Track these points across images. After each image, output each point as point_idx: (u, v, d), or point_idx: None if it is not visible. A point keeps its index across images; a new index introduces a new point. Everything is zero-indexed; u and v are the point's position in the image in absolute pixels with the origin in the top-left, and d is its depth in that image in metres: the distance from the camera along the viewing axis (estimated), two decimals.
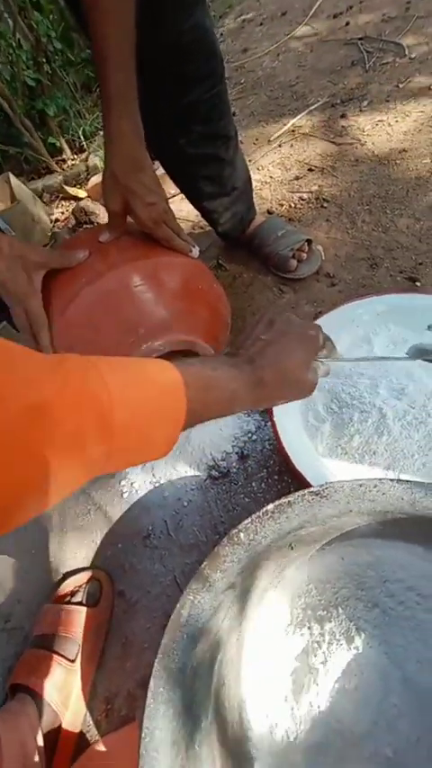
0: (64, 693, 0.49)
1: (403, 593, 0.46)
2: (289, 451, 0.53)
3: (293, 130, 1.11)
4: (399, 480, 0.32)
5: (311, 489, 0.35)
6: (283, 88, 1.27)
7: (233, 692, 0.42)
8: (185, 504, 0.64)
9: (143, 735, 0.30)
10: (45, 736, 0.46)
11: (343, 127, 1.04)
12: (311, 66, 1.27)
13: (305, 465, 0.53)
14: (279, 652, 0.47)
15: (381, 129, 0.99)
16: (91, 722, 0.51)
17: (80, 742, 0.50)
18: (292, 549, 0.41)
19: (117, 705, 0.52)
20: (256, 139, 1.16)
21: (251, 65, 1.44)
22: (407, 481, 0.32)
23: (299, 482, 0.53)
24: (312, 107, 1.14)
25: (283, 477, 0.62)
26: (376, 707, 0.41)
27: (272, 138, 1.12)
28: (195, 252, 0.58)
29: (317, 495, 0.35)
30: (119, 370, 0.28)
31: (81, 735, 0.50)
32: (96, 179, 1.27)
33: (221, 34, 1.68)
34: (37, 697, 0.48)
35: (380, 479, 0.33)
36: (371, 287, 0.75)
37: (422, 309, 0.60)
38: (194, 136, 0.65)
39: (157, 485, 0.67)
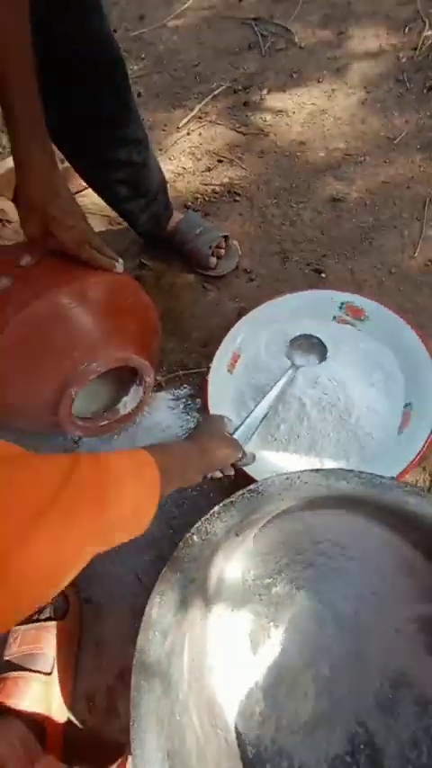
0: (45, 704, 0.52)
1: (331, 549, 0.56)
2: None
3: (200, 117, 1.11)
4: (317, 470, 0.40)
5: (250, 488, 0.41)
6: (186, 68, 1.23)
7: (201, 665, 0.49)
8: None
9: (132, 722, 0.35)
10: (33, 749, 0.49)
11: (247, 116, 1.06)
12: (211, 45, 1.25)
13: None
14: (237, 620, 0.55)
15: (281, 120, 1.04)
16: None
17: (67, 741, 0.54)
18: (237, 536, 0.48)
19: (98, 700, 0.56)
20: (165, 125, 1.13)
21: (150, 36, 1.36)
22: (323, 470, 0.39)
23: (236, 473, 0.59)
24: (216, 92, 1.14)
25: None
26: (315, 642, 0.51)
27: (180, 126, 1.11)
28: (119, 267, 0.59)
29: (254, 492, 0.41)
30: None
31: (66, 735, 0.54)
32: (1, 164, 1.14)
33: None
34: (21, 715, 0.50)
35: (302, 471, 0.40)
36: (284, 281, 0.82)
37: (328, 303, 0.68)
38: (104, 143, 0.63)
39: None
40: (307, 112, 1.03)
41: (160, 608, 0.39)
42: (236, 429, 0.58)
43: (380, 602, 0.53)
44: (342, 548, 0.56)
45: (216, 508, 0.41)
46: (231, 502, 0.41)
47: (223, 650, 0.53)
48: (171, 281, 0.88)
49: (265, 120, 1.04)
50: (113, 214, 0.95)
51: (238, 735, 0.49)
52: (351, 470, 0.38)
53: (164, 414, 0.72)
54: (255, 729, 0.50)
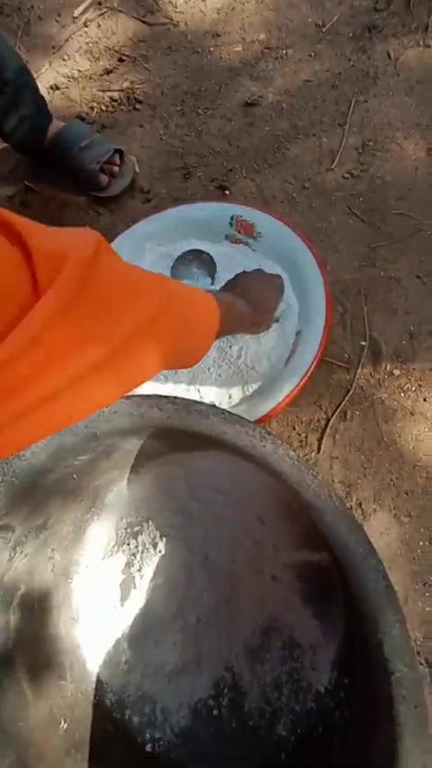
0: None
1: (208, 494, 0.51)
2: None
3: (100, 2, 0.92)
4: (128, 398, 0.33)
5: None
6: None
7: (55, 618, 0.44)
8: None
9: None
10: None
11: (155, 0, 0.89)
12: None
13: None
14: (107, 569, 0.50)
15: (194, 5, 0.86)
16: None
17: None
18: (74, 479, 0.41)
19: None
20: (59, 15, 0.94)
21: None
22: (134, 396, 0.32)
23: None
24: None
25: None
26: (183, 592, 0.47)
27: (76, 15, 0.92)
28: None
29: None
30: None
31: None
32: None
33: None
34: None
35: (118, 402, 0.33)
36: (185, 199, 0.71)
37: (217, 219, 0.59)
38: None
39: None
40: None
41: None
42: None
43: (258, 550, 0.49)
44: (221, 493, 0.51)
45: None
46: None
47: (90, 601, 0.49)
48: (60, 204, 0.76)
49: (175, 7, 0.87)
50: None
51: (99, 683, 0.46)
52: (166, 397, 0.31)
53: None
54: (119, 678, 0.47)
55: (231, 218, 0.57)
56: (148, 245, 0.59)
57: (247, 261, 0.58)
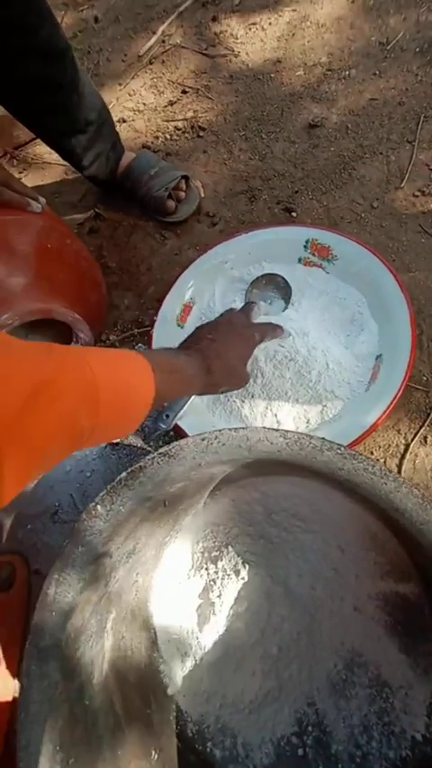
0: None
1: (287, 520, 0.50)
2: (172, 407, 0.53)
3: (164, 41, 0.97)
4: (235, 429, 0.33)
5: (160, 451, 0.35)
6: None
7: (136, 641, 0.45)
8: (88, 474, 0.64)
9: (19, 712, 0.31)
10: None
11: (215, 33, 0.92)
12: None
13: (191, 418, 0.53)
14: (184, 594, 0.50)
15: (254, 35, 0.89)
16: None
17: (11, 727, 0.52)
18: (165, 506, 0.42)
19: None
20: (125, 55, 1.00)
21: None
22: (242, 429, 0.33)
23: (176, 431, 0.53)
24: (181, 8, 0.99)
25: (179, 433, 0.62)
26: (264, 619, 0.46)
27: (141, 53, 0.97)
28: (35, 207, 0.51)
29: (165, 455, 0.35)
30: (99, 355, 0.31)
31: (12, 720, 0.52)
32: None
33: None
34: None
35: (219, 431, 0.34)
36: (250, 222, 0.72)
37: (291, 243, 0.59)
38: (14, 52, 0.53)
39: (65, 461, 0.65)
40: (285, 22, 0.88)
41: (59, 586, 0.34)
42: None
43: (339, 579, 0.47)
44: (300, 519, 0.50)
45: (123, 474, 0.35)
46: (140, 467, 0.35)
47: (168, 626, 0.49)
48: (128, 230, 0.80)
49: (236, 38, 0.90)
50: (67, 164, 0.86)
51: (180, 713, 0.46)
52: (276, 430, 0.31)
53: None
54: (199, 707, 0.46)
55: (306, 242, 0.57)
56: (220, 270, 0.60)
57: (320, 284, 0.57)
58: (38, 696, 0.32)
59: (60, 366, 0.26)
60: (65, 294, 0.53)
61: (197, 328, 0.48)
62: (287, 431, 0.31)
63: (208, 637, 0.48)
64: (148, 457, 0.35)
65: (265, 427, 0.32)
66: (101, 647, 0.39)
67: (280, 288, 0.56)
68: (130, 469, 0.35)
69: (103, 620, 0.40)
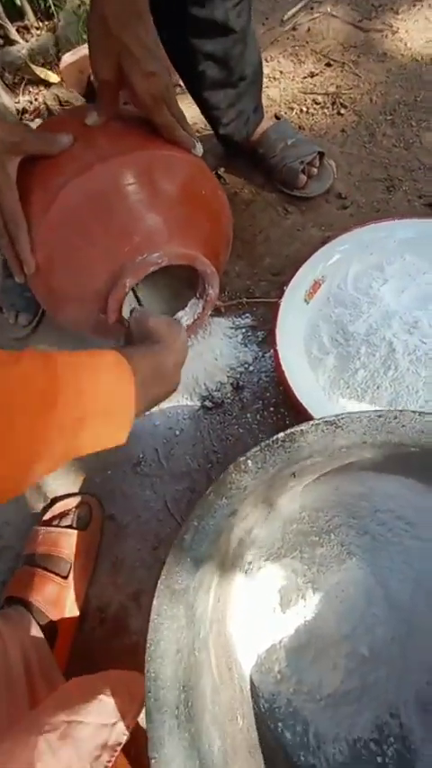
0: (59, 606, 0.51)
1: (393, 521, 0.47)
2: (291, 382, 0.51)
3: (312, 7, 0.92)
4: (420, 413, 0.31)
5: (326, 419, 0.33)
6: None
7: (224, 607, 0.44)
8: (177, 433, 0.63)
9: (148, 644, 0.30)
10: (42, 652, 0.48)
11: (373, 6, 0.87)
12: None
13: (306, 397, 0.51)
14: (270, 572, 0.49)
15: (419, 13, 0.84)
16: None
17: (75, 647, 0.52)
18: (294, 477, 0.40)
19: (110, 614, 0.55)
20: (267, 18, 0.96)
21: None
22: (429, 413, 0.30)
23: (297, 413, 0.51)
24: None
25: (278, 409, 0.60)
26: (358, 616, 0.45)
27: (285, 18, 0.94)
28: (199, 149, 0.49)
29: (332, 424, 0.33)
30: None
31: (76, 640, 0.53)
32: (70, 57, 1.04)
33: None
34: (32, 608, 0.49)
35: (400, 411, 0.31)
36: (385, 212, 0.69)
37: None
38: None
39: (147, 413, 0.64)
40: None
41: (196, 534, 0.33)
42: None
43: None
44: (406, 522, 0.47)
45: (280, 435, 0.34)
46: (301, 431, 0.33)
47: (249, 600, 0.48)
48: (248, 198, 0.77)
49: (396, 13, 0.85)
50: (191, 121, 0.84)
51: (252, 685, 0.45)
52: None
53: (219, 341, 0.65)
54: (270, 685, 0.45)
55: None
56: (358, 253, 0.57)
57: None
58: (168, 634, 0.31)
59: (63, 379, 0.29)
60: (205, 244, 0.52)
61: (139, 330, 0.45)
62: None
63: (291, 620, 0.47)
64: (311, 422, 0.33)
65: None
66: (207, 603, 0.38)
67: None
68: (288, 431, 0.34)
69: (212, 579, 0.39)
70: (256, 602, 0.48)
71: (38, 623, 0.49)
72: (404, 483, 0.46)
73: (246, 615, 0.47)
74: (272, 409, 0.60)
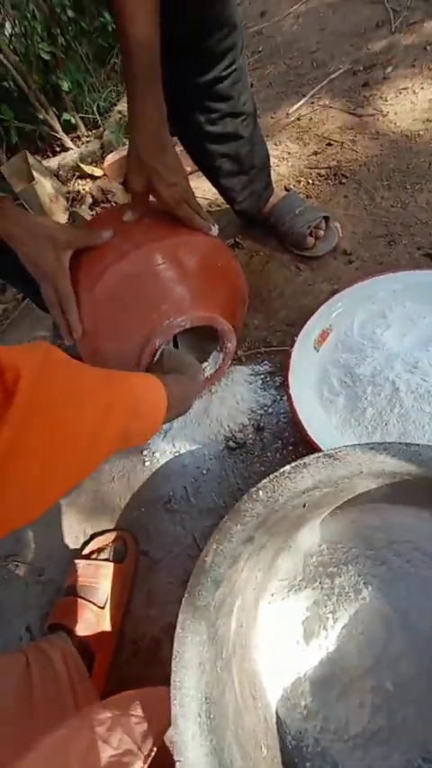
0: (96, 633, 0.55)
1: (410, 552, 0.49)
2: (304, 423, 0.56)
3: (313, 102, 1.08)
4: (407, 444, 0.35)
5: (326, 452, 0.38)
6: (302, 55, 1.22)
7: (249, 634, 0.47)
8: (204, 472, 0.69)
9: (174, 656, 0.35)
10: (80, 669, 0.52)
11: (365, 97, 1.01)
12: (333, 30, 1.22)
13: (320, 436, 0.56)
14: (292, 603, 0.51)
15: (405, 98, 0.96)
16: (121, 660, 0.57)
17: (110, 676, 0.56)
18: (304, 507, 0.45)
19: (143, 646, 0.58)
20: (274, 112, 1.14)
21: (270, 30, 1.38)
22: (415, 444, 0.35)
23: (313, 451, 0.56)
24: (333, 75, 1.10)
25: (297, 448, 0.65)
26: (380, 648, 0.45)
27: (290, 112, 1.10)
28: (215, 230, 0.60)
29: (331, 457, 0.38)
30: (140, 381, 0.43)
31: (112, 669, 0.56)
32: (112, 157, 1.27)
33: None
34: (71, 634, 0.54)
35: (389, 443, 0.36)
36: (388, 264, 0.76)
37: None
38: (214, 114, 0.65)
39: (177, 454, 0.71)
40: None
41: (215, 556, 0.38)
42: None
43: None
44: (424, 554, 0.49)
45: (287, 467, 0.39)
46: (304, 463, 0.38)
47: (273, 631, 0.50)
48: (264, 260, 0.88)
49: (386, 100, 0.98)
50: (213, 197, 0.98)
51: (279, 720, 0.46)
52: None
53: (241, 387, 0.72)
54: (297, 722, 0.46)
55: None
56: (362, 303, 0.64)
57: None
58: (191, 647, 0.35)
59: (118, 393, 0.36)
60: (223, 307, 0.60)
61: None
62: None
63: (315, 652, 0.48)
64: (313, 455, 0.39)
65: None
66: (229, 626, 0.42)
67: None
68: (294, 464, 0.39)
69: (233, 602, 0.43)
70: (280, 633, 0.50)
71: (77, 648, 0.53)
72: (419, 515, 0.49)
73: (271, 646, 0.49)
74: (290, 448, 0.65)
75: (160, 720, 0.35)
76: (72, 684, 0.45)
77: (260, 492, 0.39)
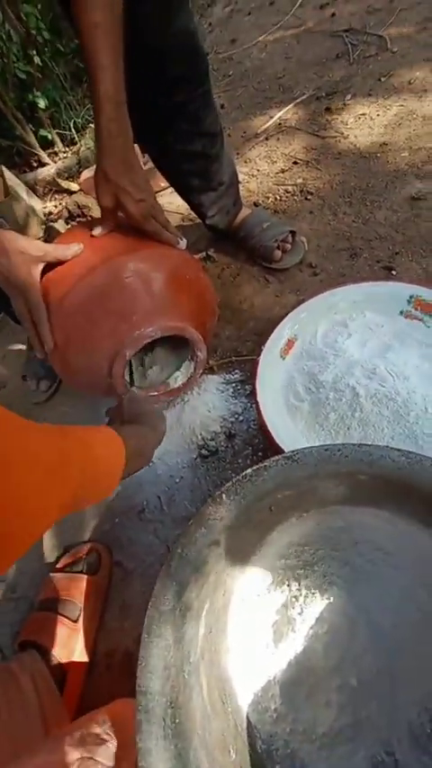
0: (68, 649, 0.54)
1: (372, 552, 0.51)
2: (271, 429, 0.58)
3: (280, 123, 1.14)
4: (360, 444, 0.37)
5: (285, 454, 0.40)
6: (270, 80, 1.29)
7: (219, 639, 0.47)
8: (177, 480, 0.69)
9: (140, 662, 0.35)
10: (50, 691, 0.51)
11: (327, 120, 1.07)
12: (298, 59, 1.30)
13: (286, 441, 0.58)
14: (262, 607, 0.52)
15: (363, 123, 1.02)
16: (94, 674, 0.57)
17: (84, 692, 0.55)
18: (271, 511, 0.46)
19: (117, 660, 0.57)
20: (244, 132, 1.19)
21: (239, 56, 1.45)
22: (367, 445, 0.37)
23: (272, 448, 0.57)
24: (298, 100, 1.17)
25: (267, 454, 0.66)
26: (344, 647, 0.47)
27: (259, 132, 1.15)
28: (182, 244, 0.62)
29: (289, 459, 0.40)
30: (97, 438, 0.40)
31: (85, 685, 0.55)
32: (88, 172, 1.29)
33: (210, 24, 1.69)
34: (43, 651, 0.53)
35: (343, 444, 0.38)
36: (350, 276, 0.79)
37: (395, 297, 0.65)
38: (182, 134, 0.68)
39: (150, 464, 0.72)
40: (392, 114, 1.01)
41: (180, 560, 0.39)
42: None
43: (425, 622, 0.47)
44: (385, 553, 0.51)
45: (248, 470, 0.40)
46: (265, 466, 0.40)
47: (243, 635, 0.51)
48: (234, 272, 0.91)
49: (346, 124, 1.04)
50: (185, 211, 1.01)
51: (250, 725, 0.46)
52: (399, 450, 0.35)
53: (213, 395, 0.73)
54: (267, 725, 0.47)
55: (410, 297, 0.63)
56: (324, 313, 0.67)
57: (421, 336, 0.62)
58: (156, 652, 0.35)
59: (73, 446, 0.34)
60: (192, 318, 0.62)
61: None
62: (410, 451, 0.35)
63: (283, 654, 0.49)
64: (273, 458, 0.40)
65: (388, 446, 0.36)
66: (196, 630, 0.42)
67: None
68: (255, 467, 0.40)
69: (201, 606, 0.43)
70: (250, 638, 0.51)
71: (48, 666, 0.52)
72: (378, 514, 0.51)
73: (241, 650, 0.50)
74: (260, 454, 0.67)
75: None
76: (42, 708, 0.45)
77: (223, 495, 0.40)
